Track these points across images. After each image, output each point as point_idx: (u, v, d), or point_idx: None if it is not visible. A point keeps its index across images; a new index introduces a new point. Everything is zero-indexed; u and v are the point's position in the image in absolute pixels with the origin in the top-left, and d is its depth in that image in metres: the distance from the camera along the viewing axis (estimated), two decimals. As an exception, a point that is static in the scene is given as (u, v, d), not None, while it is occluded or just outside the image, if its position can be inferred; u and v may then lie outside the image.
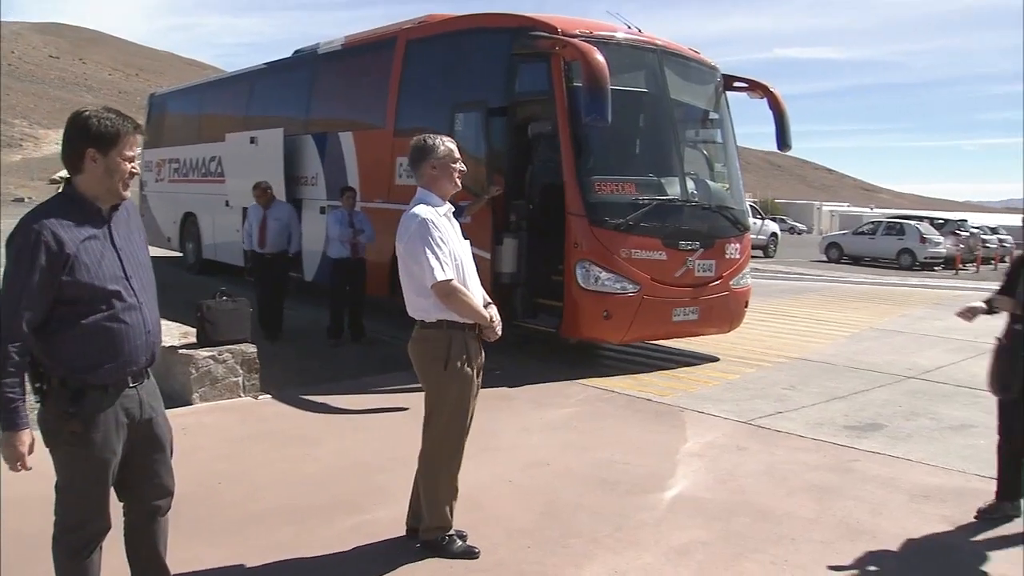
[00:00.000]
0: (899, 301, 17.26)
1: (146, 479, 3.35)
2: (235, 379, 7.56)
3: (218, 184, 15.55)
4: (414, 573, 4.30)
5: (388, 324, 11.25)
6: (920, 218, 38.26)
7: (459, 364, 4.32)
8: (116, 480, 3.25)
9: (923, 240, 32.05)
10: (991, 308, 5.14)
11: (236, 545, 4.55)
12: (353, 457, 6.11)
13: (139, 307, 3.15)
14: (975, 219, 48.04)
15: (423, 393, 4.52)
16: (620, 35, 9.50)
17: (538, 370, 8.87)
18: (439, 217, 4.28)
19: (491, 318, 4.37)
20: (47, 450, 3.10)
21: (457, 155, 4.41)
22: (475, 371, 4.42)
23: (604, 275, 8.67)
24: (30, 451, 2.97)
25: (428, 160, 4.35)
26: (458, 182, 4.45)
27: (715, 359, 9.99)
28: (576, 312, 8.89)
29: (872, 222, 37.52)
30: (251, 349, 7.71)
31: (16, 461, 2.96)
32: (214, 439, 6.44)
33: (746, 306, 10.31)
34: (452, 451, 4.47)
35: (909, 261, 31.77)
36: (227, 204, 15.15)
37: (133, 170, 3.12)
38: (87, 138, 3.03)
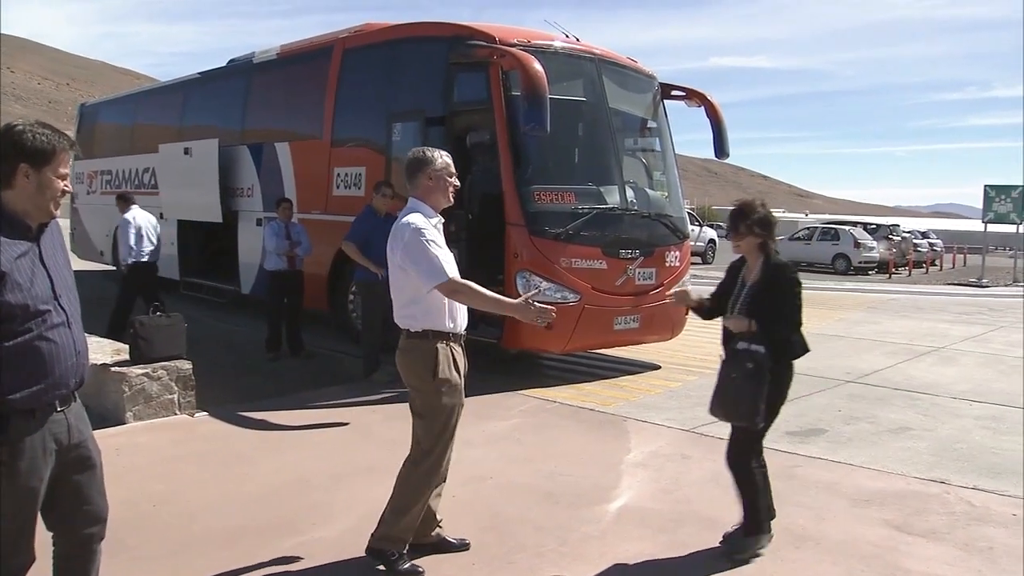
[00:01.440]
0: (835, 305, 17.50)
1: (77, 506, 3.18)
2: (170, 396, 7.36)
3: (152, 196, 15.16)
4: (355, 595, 4.20)
5: (327, 337, 11.11)
6: (854, 223, 38.95)
7: (447, 373, 4.32)
8: (45, 509, 3.08)
9: (857, 245, 32.57)
10: (700, 311, 5.01)
11: (171, 571, 4.40)
12: (291, 475, 5.96)
13: (69, 326, 3.03)
14: (906, 223, 49.11)
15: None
16: (558, 44, 9.49)
17: (478, 382, 8.74)
18: (431, 226, 4.30)
19: (523, 301, 4.26)
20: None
21: (453, 169, 4.48)
22: (463, 379, 4.43)
23: (545, 284, 8.62)
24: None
25: (425, 171, 4.40)
26: (451, 197, 4.49)
27: (657, 367, 10.01)
28: (517, 323, 8.70)
29: (807, 228, 38.05)
30: (186, 366, 7.50)
31: None
32: (149, 459, 6.25)
33: (687, 313, 10.31)
34: (437, 461, 4.42)
35: (844, 266, 32.26)
36: (161, 216, 14.80)
37: (65, 188, 3.04)
38: (21, 153, 2.92)
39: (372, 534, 4.45)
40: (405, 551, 4.40)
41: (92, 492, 3.22)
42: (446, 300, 4.28)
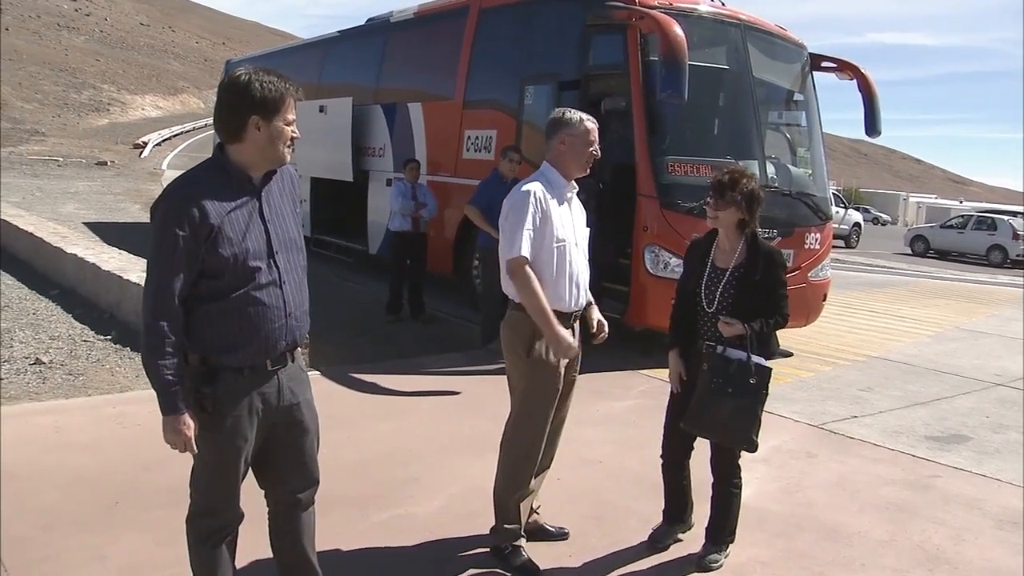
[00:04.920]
0: (988, 300, 16.44)
1: (286, 469, 3.18)
2: (283, 353, 7.30)
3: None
4: (442, 579, 3.98)
5: (450, 302, 10.98)
6: (1014, 213, 36.72)
7: (544, 353, 3.99)
8: (257, 469, 3.12)
9: (1016, 236, 30.63)
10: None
11: (261, 537, 4.26)
12: (394, 444, 5.80)
13: (280, 286, 2.95)
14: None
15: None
16: (702, 7, 8.98)
17: (598, 358, 8.44)
18: (544, 197, 3.92)
19: (566, 328, 3.99)
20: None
21: (594, 137, 4.04)
22: (563, 364, 4.08)
23: (674, 261, 8.21)
24: (194, 432, 2.83)
25: (559, 134, 4.03)
26: (587, 167, 4.08)
27: (789, 354, 9.46)
28: (643, 299, 8.47)
29: (961, 215, 36.13)
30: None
31: (183, 445, 2.82)
32: (255, 416, 6.19)
33: (824, 299, 9.77)
34: (528, 446, 4.13)
35: (1000, 258, 30.44)
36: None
37: (293, 134, 2.95)
38: (252, 105, 2.83)
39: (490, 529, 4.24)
40: (518, 543, 4.15)
41: (302, 457, 3.20)
42: (550, 274, 3.93)
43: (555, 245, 3.92)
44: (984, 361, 9.87)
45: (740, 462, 4.34)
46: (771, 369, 4.03)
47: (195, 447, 2.84)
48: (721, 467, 4.29)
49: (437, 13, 12.31)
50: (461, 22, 11.19)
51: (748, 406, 3.98)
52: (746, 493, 5.14)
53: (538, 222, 3.88)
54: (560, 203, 4.01)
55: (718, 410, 4.00)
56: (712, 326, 4.10)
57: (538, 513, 4.46)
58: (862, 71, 9.72)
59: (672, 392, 4.40)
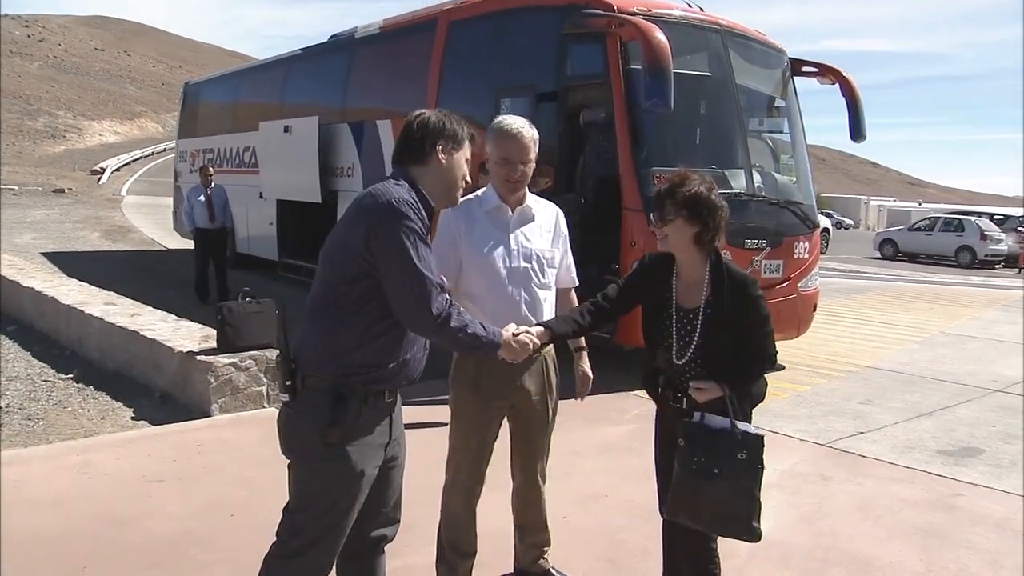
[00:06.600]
0: (965, 302, 16.37)
1: (374, 505, 2.94)
2: (258, 388, 6.90)
3: (252, 175, 14.96)
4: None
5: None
6: (979, 214, 37.00)
7: (465, 379, 3.63)
8: None
9: (984, 237, 30.83)
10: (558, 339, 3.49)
11: None
12: (385, 484, 5.40)
13: None
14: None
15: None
16: (681, 13, 8.71)
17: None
18: (468, 213, 3.54)
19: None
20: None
21: (505, 155, 3.50)
22: (493, 394, 3.64)
23: (663, 276, 7.90)
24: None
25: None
26: (510, 187, 3.57)
27: (781, 367, 9.15)
28: (633, 316, 8.11)
29: (929, 218, 36.32)
30: (277, 355, 7.03)
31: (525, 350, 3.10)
32: (231, 459, 5.76)
33: (814, 309, 9.52)
34: (452, 486, 3.90)
35: (968, 259, 30.59)
36: (261, 196, 14.55)
37: (467, 178, 2.95)
38: (439, 133, 2.86)
39: None
40: None
41: (391, 492, 3.05)
42: (481, 298, 3.55)
43: (479, 269, 3.55)
44: (977, 366, 9.67)
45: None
46: (763, 437, 3.26)
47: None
48: (693, 549, 3.48)
49: (403, 27, 11.96)
50: (429, 36, 10.83)
51: (743, 488, 3.18)
52: (765, 525, 4.82)
53: (446, 243, 3.51)
54: (494, 222, 3.59)
55: (706, 496, 3.20)
56: (683, 379, 3.39)
57: (546, 557, 4.11)
58: (844, 75, 9.50)
59: (656, 445, 3.81)
